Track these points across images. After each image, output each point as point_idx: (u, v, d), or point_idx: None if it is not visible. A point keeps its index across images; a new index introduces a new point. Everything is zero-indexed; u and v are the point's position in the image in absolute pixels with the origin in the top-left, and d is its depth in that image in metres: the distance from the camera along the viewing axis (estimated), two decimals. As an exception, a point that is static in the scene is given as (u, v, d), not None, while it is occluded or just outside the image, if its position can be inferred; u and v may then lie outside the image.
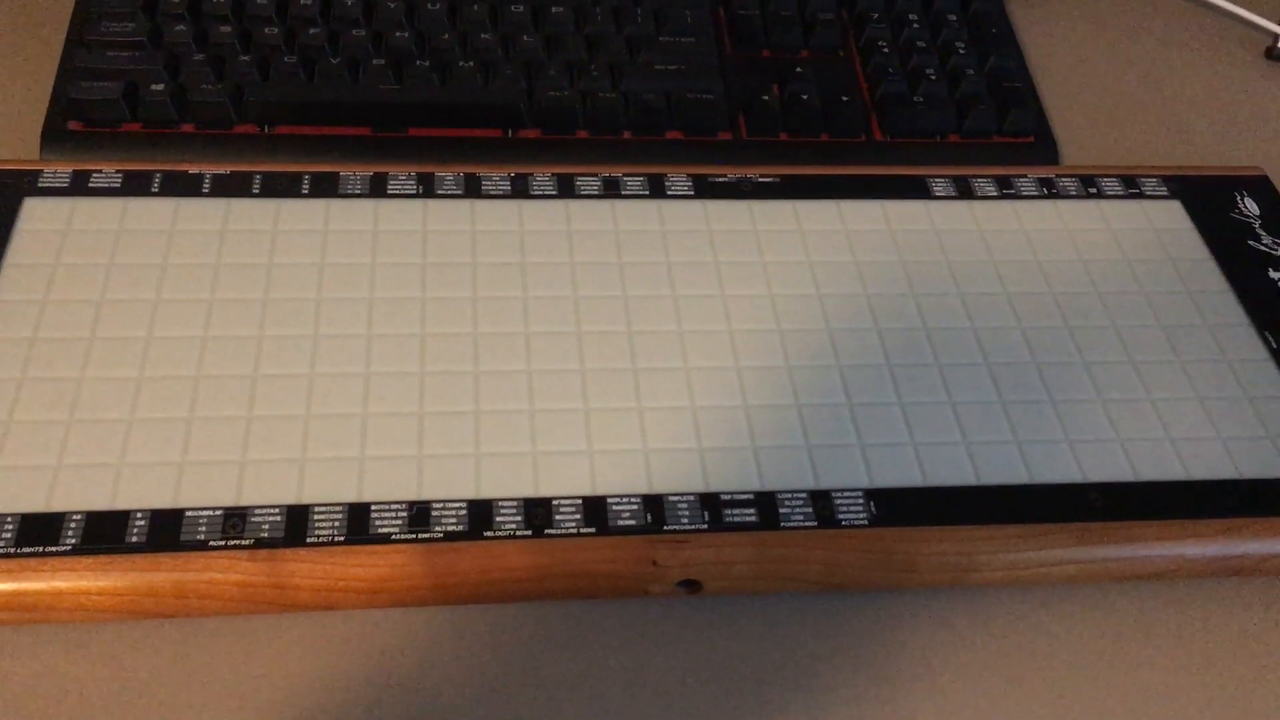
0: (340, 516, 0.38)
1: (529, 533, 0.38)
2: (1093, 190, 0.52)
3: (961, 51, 0.57)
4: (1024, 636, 0.40)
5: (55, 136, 0.50)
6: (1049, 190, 0.52)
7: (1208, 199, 0.52)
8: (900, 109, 0.55)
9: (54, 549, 0.36)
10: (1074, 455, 0.42)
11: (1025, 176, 0.52)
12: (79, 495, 0.38)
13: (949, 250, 0.49)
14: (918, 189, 0.51)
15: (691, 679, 0.38)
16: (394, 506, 0.38)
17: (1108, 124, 0.59)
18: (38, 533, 0.37)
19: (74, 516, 0.37)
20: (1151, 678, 0.39)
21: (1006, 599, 0.41)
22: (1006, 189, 0.52)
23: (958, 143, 0.55)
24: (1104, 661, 0.39)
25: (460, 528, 0.38)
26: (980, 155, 0.55)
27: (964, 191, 0.51)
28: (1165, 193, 0.53)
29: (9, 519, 0.37)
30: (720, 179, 0.51)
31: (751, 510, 0.39)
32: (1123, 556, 0.40)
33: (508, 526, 0.38)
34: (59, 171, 0.47)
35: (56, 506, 0.37)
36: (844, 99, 0.55)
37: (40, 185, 0.47)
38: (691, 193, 0.50)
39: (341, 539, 0.37)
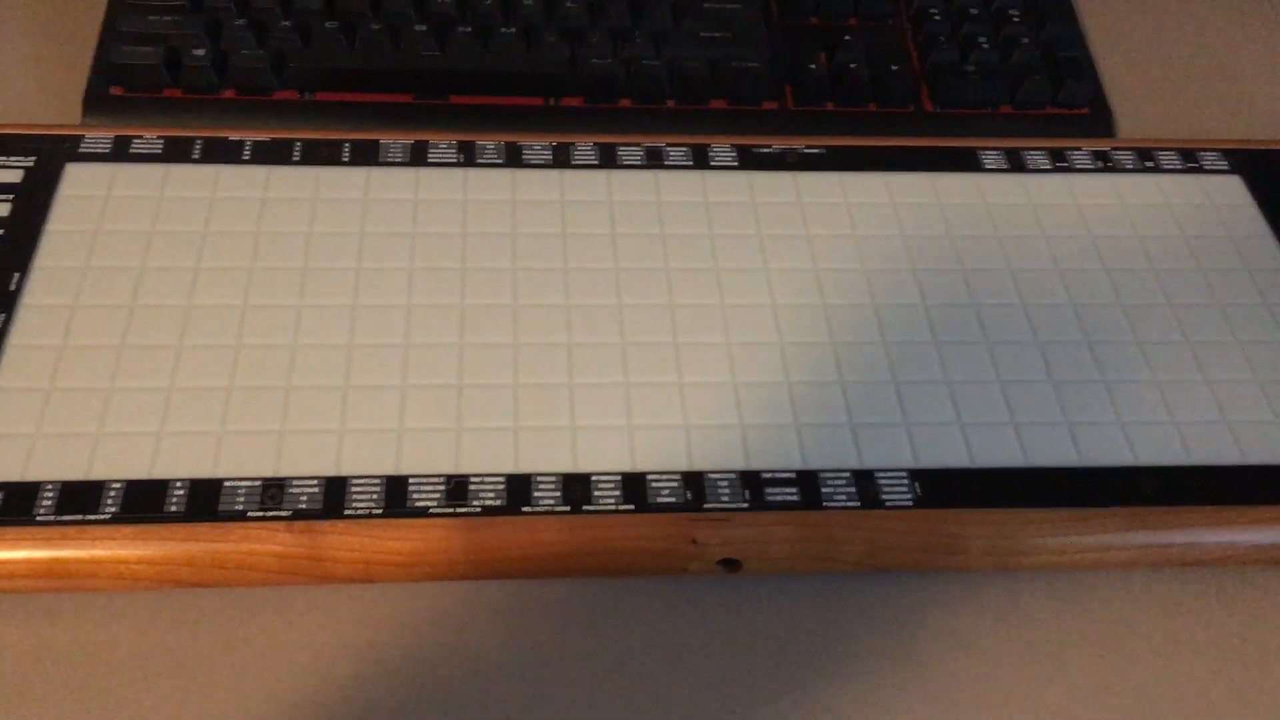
0: (378, 489, 0.38)
1: (567, 508, 0.38)
2: (1149, 164, 0.51)
3: (1015, 19, 0.56)
4: (1070, 623, 0.39)
5: (97, 101, 0.50)
6: (1104, 164, 0.51)
7: (1269, 173, 0.51)
8: (951, 79, 0.53)
9: (94, 517, 0.36)
10: (1126, 437, 0.41)
11: (1079, 149, 0.51)
12: (119, 464, 0.38)
13: (999, 225, 0.48)
14: (968, 162, 0.50)
15: (730, 659, 0.37)
16: (432, 480, 0.38)
17: (1165, 95, 0.57)
18: (78, 500, 0.37)
19: (114, 485, 0.37)
20: (1201, 667, 0.38)
21: (1053, 584, 0.40)
22: (1060, 162, 0.50)
23: (1010, 114, 0.54)
24: (1152, 650, 0.39)
25: (498, 502, 0.38)
26: (1033, 127, 0.53)
27: (1016, 164, 0.50)
28: (1225, 167, 0.51)
29: (49, 486, 0.37)
30: (765, 150, 0.50)
31: (793, 489, 0.39)
32: (1175, 543, 0.39)
33: (546, 502, 0.38)
34: (100, 137, 0.47)
35: (97, 475, 0.37)
36: (893, 68, 0.54)
37: (81, 151, 0.47)
38: (736, 164, 0.49)
39: (379, 512, 0.37)
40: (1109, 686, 0.38)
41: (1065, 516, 0.39)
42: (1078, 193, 0.49)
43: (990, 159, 0.50)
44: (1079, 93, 0.54)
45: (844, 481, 0.39)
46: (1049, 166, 0.50)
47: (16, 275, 0.42)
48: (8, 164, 0.46)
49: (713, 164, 0.49)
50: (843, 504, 0.39)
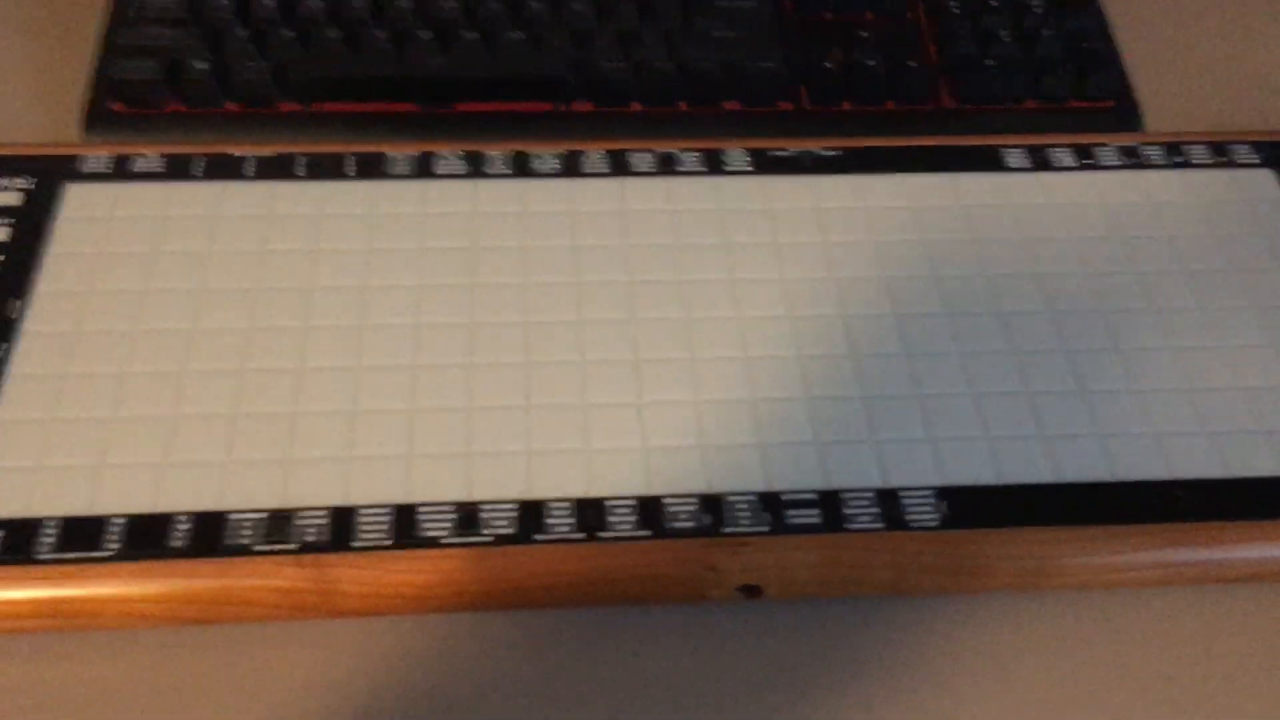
0: (387, 519, 0.37)
1: (581, 536, 0.37)
2: (1179, 159, 0.49)
3: (1037, 10, 0.54)
4: (1105, 643, 0.38)
5: (97, 118, 0.49)
6: (1131, 160, 0.49)
7: (1304, 167, 0.49)
8: (971, 73, 0.52)
9: (96, 554, 0.35)
10: (1159, 449, 0.40)
11: (1106, 145, 0.49)
12: (121, 497, 0.37)
13: (1023, 227, 0.46)
14: (989, 160, 0.49)
15: (752, 687, 0.36)
16: (442, 508, 0.37)
17: (1194, 87, 0.55)
18: (80, 537, 0.36)
19: (116, 520, 0.36)
20: (1242, 684, 0.37)
21: (1085, 603, 0.39)
22: (1085, 159, 0.49)
23: (1033, 109, 0.52)
24: (1190, 669, 0.37)
25: (510, 530, 0.37)
26: (1057, 122, 0.51)
27: (1039, 162, 0.49)
28: (1257, 160, 0.49)
29: (50, 523, 0.36)
30: (780, 154, 0.48)
31: (815, 511, 0.38)
32: (1211, 559, 0.38)
33: (559, 529, 0.37)
34: (101, 156, 0.46)
35: (99, 509, 0.36)
36: (910, 64, 0.52)
37: (83, 171, 0.46)
38: (750, 169, 0.48)
39: (389, 543, 0.36)
40: (1147, 707, 0.36)
41: (1098, 534, 0.38)
42: (1104, 191, 0.48)
43: (1013, 157, 0.49)
44: (1104, 86, 0.52)
45: (867, 501, 0.38)
46: (1074, 164, 0.49)
47: (17, 302, 0.41)
48: (8, 186, 0.45)
49: (726, 169, 0.48)
50: (867, 525, 0.37)
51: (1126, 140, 0.50)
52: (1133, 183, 0.48)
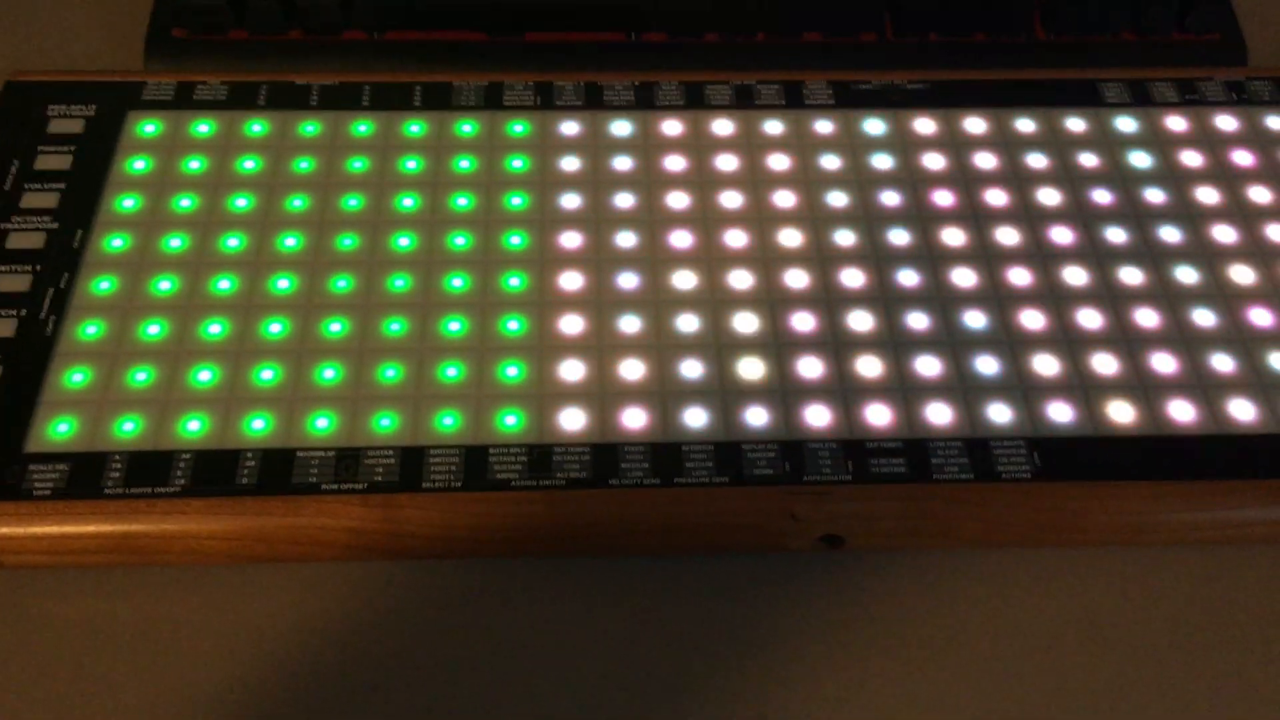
0: (456, 460, 0.35)
1: (657, 481, 0.35)
2: (1289, 95, 0.46)
3: (1138, -64, 0.51)
4: (1205, 601, 0.36)
5: (159, 45, 0.48)
6: (1238, 95, 0.46)
7: None
8: (1067, 3, 0.49)
9: (163, 490, 0.35)
10: (1267, 400, 0.38)
11: (1211, 79, 0.47)
12: (188, 432, 0.36)
13: (1123, 164, 0.44)
14: (1087, 95, 0.46)
15: (831, 639, 0.35)
16: (513, 450, 0.36)
17: (1305, 17, 0.52)
18: (147, 472, 0.35)
19: (183, 455, 0.35)
20: (1350, 653, 0.35)
21: (1185, 559, 0.37)
22: (1189, 94, 0.46)
23: (1132, 41, 0.49)
24: (1296, 633, 0.35)
25: (583, 474, 0.35)
26: (1158, 55, 0.49)
27: (1140, 97, 0.46)
28: (1371, 96, 0.46)
29: (117, 457, 0.35)
30: (864, 86, 0.46)
31: (900, 460, 0.36)
32: (1323, 518, 0.36)
33: (634, 474, 0.35)
34: (163, 84, 0.45)
35: (165, 445, 0.35)
36: (1002, -7, 0.49)
37: (144, 98, 0.45)
38: (832, 102, 0.45)
39: (458, 485, 0.35)
40: (1247, 666, 0.34)
41: (1201, 489, 0.36)
42: (1209, 128, 0.45)
43: (1112, 92, 0.46)
44: (1208, 16, 0.49)
45: (956, 451, 0.36)
46: (1177, 99, 0.46)
47: (79, 231, 0.40)
48: (68, 113, 0.44)
49: (807, 103, 0.45)
50: (954, 476, 0.36)
51: (1232, 75, 0.47)
52: (1240, 119, 0.45)
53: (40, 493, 0.34)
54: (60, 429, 0.36)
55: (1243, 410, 0.37)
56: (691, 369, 0.38)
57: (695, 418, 0.37)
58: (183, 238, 0.40)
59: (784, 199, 0.42)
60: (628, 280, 0.40)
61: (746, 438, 0.36)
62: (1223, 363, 0.38)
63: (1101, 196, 0.43)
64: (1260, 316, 0.40)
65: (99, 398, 0.36)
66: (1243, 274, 0.41)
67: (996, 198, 0.43)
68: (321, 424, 0.36)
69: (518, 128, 0.44)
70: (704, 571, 0.36)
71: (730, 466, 0.36)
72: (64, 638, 0.34)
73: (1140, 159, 0.44)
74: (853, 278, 0.40)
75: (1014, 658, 0.35)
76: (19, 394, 0.36)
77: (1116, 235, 0.42)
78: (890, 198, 0.42)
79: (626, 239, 0.41)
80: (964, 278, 0.40)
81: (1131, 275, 0.41)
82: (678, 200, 0.42)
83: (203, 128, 0.44)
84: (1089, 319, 0.39)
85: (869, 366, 0.38)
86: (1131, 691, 0.34)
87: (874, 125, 0.45)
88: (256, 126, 0.44)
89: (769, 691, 0.34)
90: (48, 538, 0.34)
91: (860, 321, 0.39)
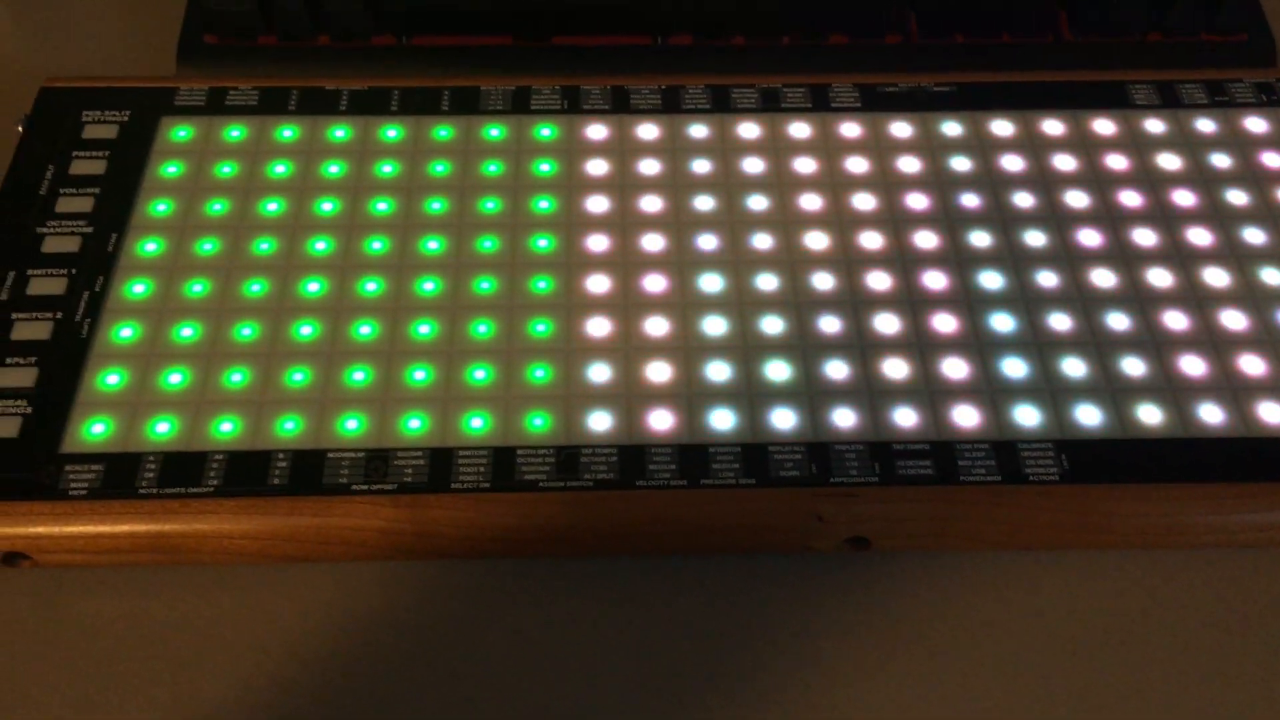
0: (485, 461, 0.36)
1: (684, 482, 0.35)
2: (1319, 96, 0.46)
3: (1165, -64, 0.51)
4: (1233, 604, 0.36)
5: (191, 51, 0.49)
6: (1267, 97, 0.46)
7: None
8: (1092, 3, 0.49)
9: (196, 490, 0.35)
10: (1297, 404, 0.37)
11: (1241, 81, 0.46)
12: (221, 433, 0.36)
13: (1151, 167, 0.44)
14: (1115, 97, 0.46)
15: (857, 640, 0.35)
16: (541, 451, 0.36)
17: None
18: (180, 472, 0.35)
19: (216, 456, 0.36)
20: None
21: (1213, 562, 0.37)
22: (1218, 95, 0.46)
23: (1159, 42, 0.49)
24: (1326, 637, 0.35)
25: (611, 475, 0.35)
26: (1185, 57, 0.48)
27: (1169, 99, 0.46)
28: (1404, 97, 0.46)
29: (151, 458, 0.36)
30: (890, 89, 0.46)
31: (927, 462, 0.36)
32: (1354, 521, 0.36)
33: (661, 475, 0.35)
34: (195, 89, 0.45)
35: (198, 445, 0.36)
36: (1029, -7, 0.49)
37: (177, 104, 0.45)
38: (859, 105, 0.45)
39: (487, 485, 0.35)
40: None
41: (1229, 492, 0.36)
42: (1239, 130, 0.45)
43: (1140, 94, 0.46)
44: (1237, 16, 0.49)
45: (983, 454, 0.36)
46: (1206, 101, 0.46)
47: (114, 235, 0.41)
48: (102, 119, 0.44)
49: (833, 105, 0.45)
50: (982, 478, 0.36)
51: (1262, 76, 0.47)
52: (1270, 121, 0.45)
53: (76, 492, 0.35)
54: (96, 430, 0.36)
55: (1272, 413, 0.37)
56: (718, 371, 0.38)
57: (722, 419, 0.37)
58: (215, 241, 0.41)
59: (810, 201, 0.42)
60: (654, 283, 0.40)
61: (773, 439, 0.36)
62: (1252, 365, 0.38)
63: (1130, 199, 0.43)
64: (1290, 318, 0.39)
65: (133, 399, 0.37)
66: (1272, 276, 0.41)
67: (1024, 200, 0.43)
68: (351, 425, 0.36)
69: (545, 131, 0.45)
70: (730, 572, 0.36)
71: (757, 468, 0.36)
72: (98, 636, 0.35)
73: (1169, 161, 0.44)
74: (879, 280, 0.40)
75: (1041, 660, 0.35)
76: (55, 396, 0.37)
77: (1145, 237, 0.41)
78: (917, 200, 0.43)
79: (653, 242, 0.41)
80: (991, 280, 0.40)
81: (1160, 278, 0.40)
82: (704, 203, 0.42)
83: (234, 133, 0.44)
84: (1117, 321, 0.39)
85: (896, 369, 0.38)
86: (1159, 694, 0.34)
87: (900, 128, 0.45)
88: (287, 131, 0.44)
89: (795, 692, 0.34)
90: (83, 537, 0.35)
91: (887, 324, 0.39)
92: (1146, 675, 0.34)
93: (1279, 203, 0.43)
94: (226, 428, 0.36)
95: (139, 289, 0.40)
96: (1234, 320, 0.39)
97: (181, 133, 0.44)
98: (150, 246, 0.41)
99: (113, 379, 0.37)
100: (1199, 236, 0.42)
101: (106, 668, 0.34)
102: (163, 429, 0.36)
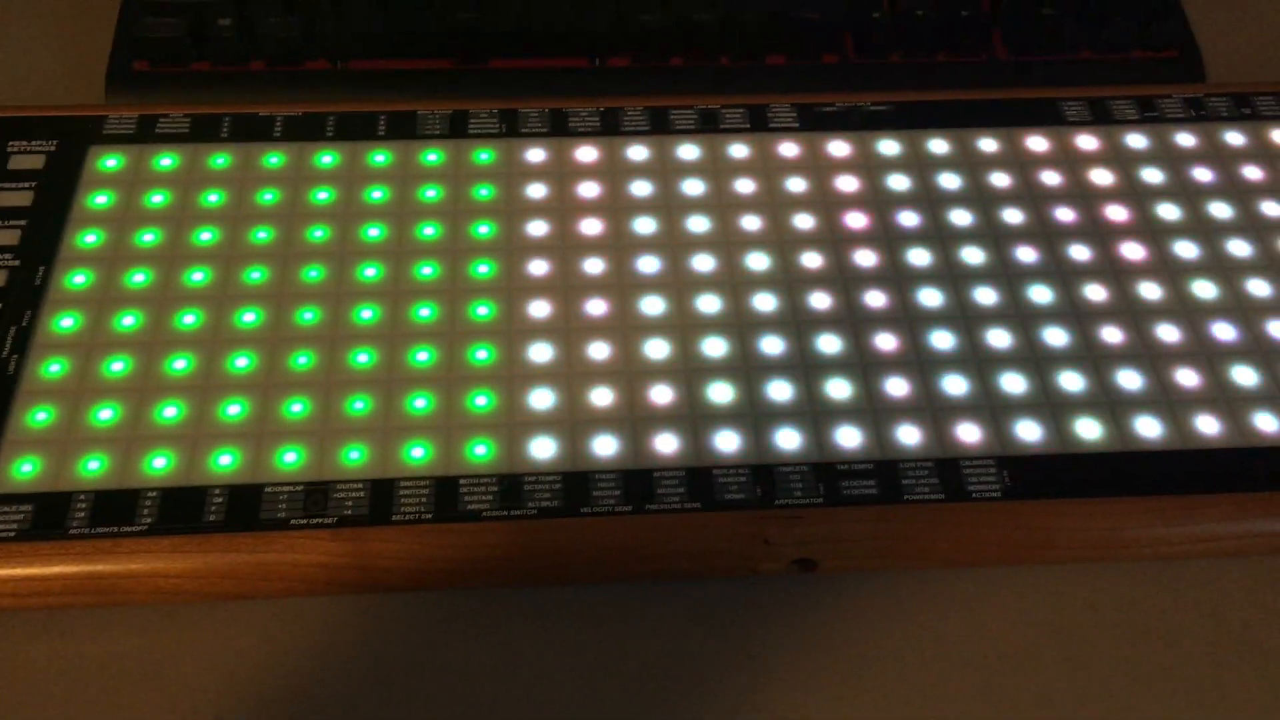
0: (427, 492, 0.35)
1: (629, 508, 0.35)
2: (1246, 111, 0.47)
3: (1095, -44, 0.51)
4: (1178, 615, 0.36)
5: (120, 78, 0.48)
6: (1197, 112, 0.47)
7: (1379, 117, 0.47)
8: (1026, 22, 0.49)
9: (129, 529, 0.34)
10: (1233, 416, 0.38)
11: (1170, 97, 0.47)
12: (154, 470, 0.35)
13: (1084, 183, 0.44)
14: (1048, 114, 0.46)
15: (806, 662, 0.35)
16: (484, 480, 0.36)
17: (1260, 34, 0.52)
18: (112, 511, 0.35)
19: (149, 493, 0.35)
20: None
21: (1156, 575, 0.37)
22: (1149, 111, 0.47)
23: (1091, 59, 0.50)
24: (1271, 641, 0.35)
25: (555, 503, 0.35)
26: (1117, 73, 0.49)
27: (1101, 115, 0.46)
28: (1328, 111, 0.47)
29: (82, 497, 0.35)
30: (828, 109, 0.46)
31: (871, 481, 0.36)
32: (1289, 530, 0.36)
33: (606, 502, 0.35)
34: (124, 117, 0.45)
35: (131, 483, 0.35)
36: (963, 13, 0.50)
37: (106, 132, 0.44)
38: (796, 125, 0.46)
39: (429, 516, 0.35)
40: (1223, 680, 0.35)
41: (1170, 505, 0.36)
42: (1169, 145, 0.45)
43: (1073, 110, 0.46)
44: (1167, 35, 0.50)
45: (926, 472, 0.36)
46: (1137, 117, 0.46)
47: (41, 268, 0.40)
48: (29, 149, 0.43)
49: (771, 125, 0.46)
50: (925, 496, 0.36)
51: (1191, 91, 0.47)
52: (1199, 136, 0.46)
53: (4, 534, 0.34)
54: (24, 469, 0.35)
55: (1209, 425, 0.38)
56: (662, 395, 0.38)
57: (666, 443, 0.37)
58: (146, 273, 0.40)
59: (750, 222, 0.43)
60: (596, 307, 0.40)
61: (718, 463, 0.36)
62: (1188, 378, 0.39)
63: (1064, 214, 0.43)
64: (1224, 331, 0.40)
65: (63, 437, 0.36)
66: (1205, 289, 0.41)
67: (961, 218, 0.43)
68: (290, 458, 0.36)
69: (483, 155, 0.44)
70: (678, 597, 0.36)
71: (702, 492, 0.36)
72: (31, 680, 0.34)
73: (1101, 176, 0.44)
74: (820, 300, 0.40)
75: (988, 676, 0.35)
76: (-19, 434, 0.36)
77: (1080, 253, 0.42)
78: (856, 220, 0.43)
79: (594, 265, 0.41)
80: (930, 298, 0.40)
81: (1095, 292, 0.41)
82: (645, 225, 0.42)
83: (165, 161, 0.43)
84: (1055, 337, 0.40)
85: (838, 389, 0.38)
86: (1105, 706, 0.34)
87: (838, 147, 0.45)
88: (220, 159, 0.43)
89: (744, 716, 0.34)
90: (12, 580, 0.34)
91: (829, 344, 0.39)
92: (1090, 687, 0.34)
93: (1209, 215, 0.43)
94: (160, 464, 0.36)
95: (67, 323, 0.39)
96: (1169, 334, 0.40)
97: (110, 162, 0.43)
98: (79, 279, 0.40)
99: (41, 416, 0.36)
100: (1133, 251, 0.42)
101: (41, 713, 0.33)
102: (94, 466, 0.35)
